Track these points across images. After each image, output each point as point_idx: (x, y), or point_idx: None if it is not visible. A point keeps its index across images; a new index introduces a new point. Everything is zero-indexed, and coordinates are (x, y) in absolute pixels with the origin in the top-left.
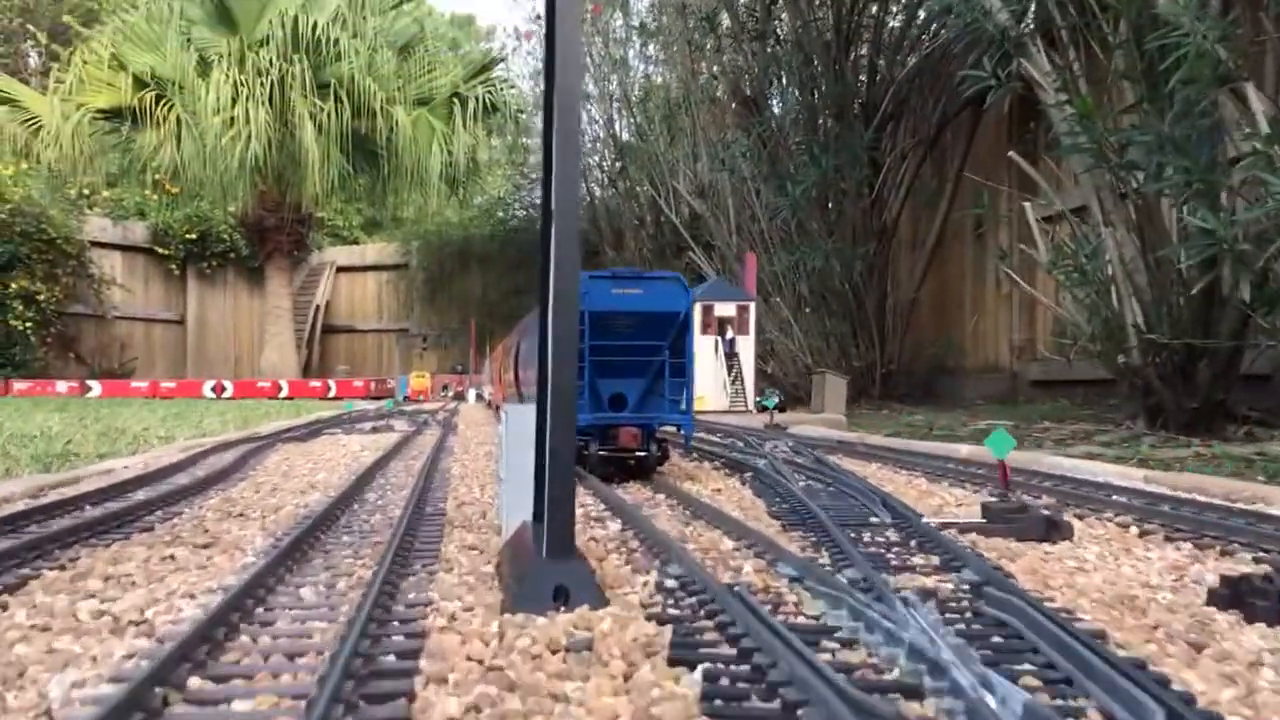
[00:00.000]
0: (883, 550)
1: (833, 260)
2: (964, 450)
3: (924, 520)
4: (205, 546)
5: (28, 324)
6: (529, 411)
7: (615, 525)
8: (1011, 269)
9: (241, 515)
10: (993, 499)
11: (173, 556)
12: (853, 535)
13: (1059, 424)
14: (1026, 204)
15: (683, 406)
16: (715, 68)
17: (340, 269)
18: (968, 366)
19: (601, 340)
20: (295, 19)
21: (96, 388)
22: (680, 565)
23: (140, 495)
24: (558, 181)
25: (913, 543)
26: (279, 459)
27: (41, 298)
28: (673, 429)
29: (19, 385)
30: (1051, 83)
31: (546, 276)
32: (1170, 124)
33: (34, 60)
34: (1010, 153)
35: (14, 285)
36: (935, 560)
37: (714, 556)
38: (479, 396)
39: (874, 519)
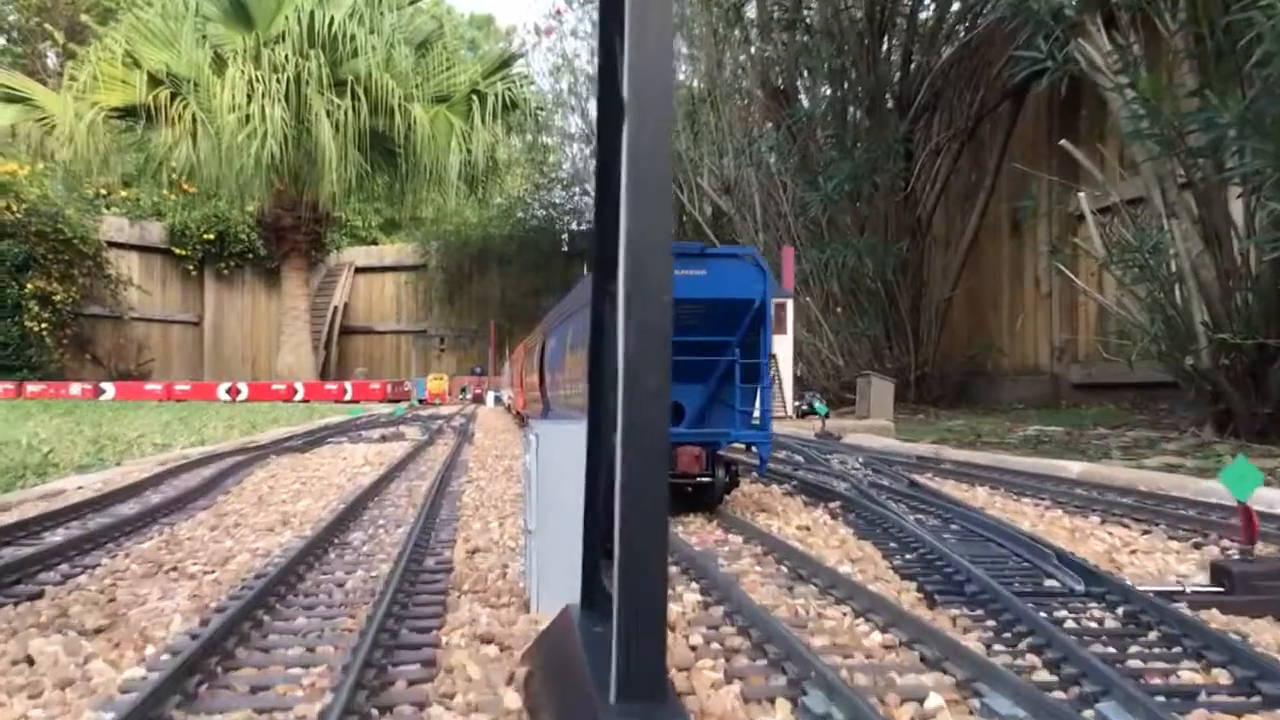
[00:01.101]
0: (1111, 646)
1: (865, 258)
2: (1074, 469)
3: (1125, 583)
4: (96, 633)
5: (43, 325)
6: (571, 434)
7: (692, 595)
8: (1064, 264)
9: (174, 570)
10: (1228, 554)
11: (29, 659)
12: (1042, 614)
13: (1114, 430)
14: (1081, 195)
15: (756, 419)
16: (743, 58)
17: (358, 270)
18: (1005, 369)
19: None
20: (311, 15)
21: (110, 390)
22: (824, 690)
23: (58, 536)
24: (633, 59)
25: (1152, 634)
26: (264, 476)
27: (57, 298)
28: (742, 447)
29: (32, 387)
30: (1112, 65)
31: (607, 226)
32: (1248, 106)
33: (52, 60)
34: (1062, 141)
35: (30, 286)
36: (1223, 675)
37: (862, 664)
38: (498, 400)
39: (1050, 581)
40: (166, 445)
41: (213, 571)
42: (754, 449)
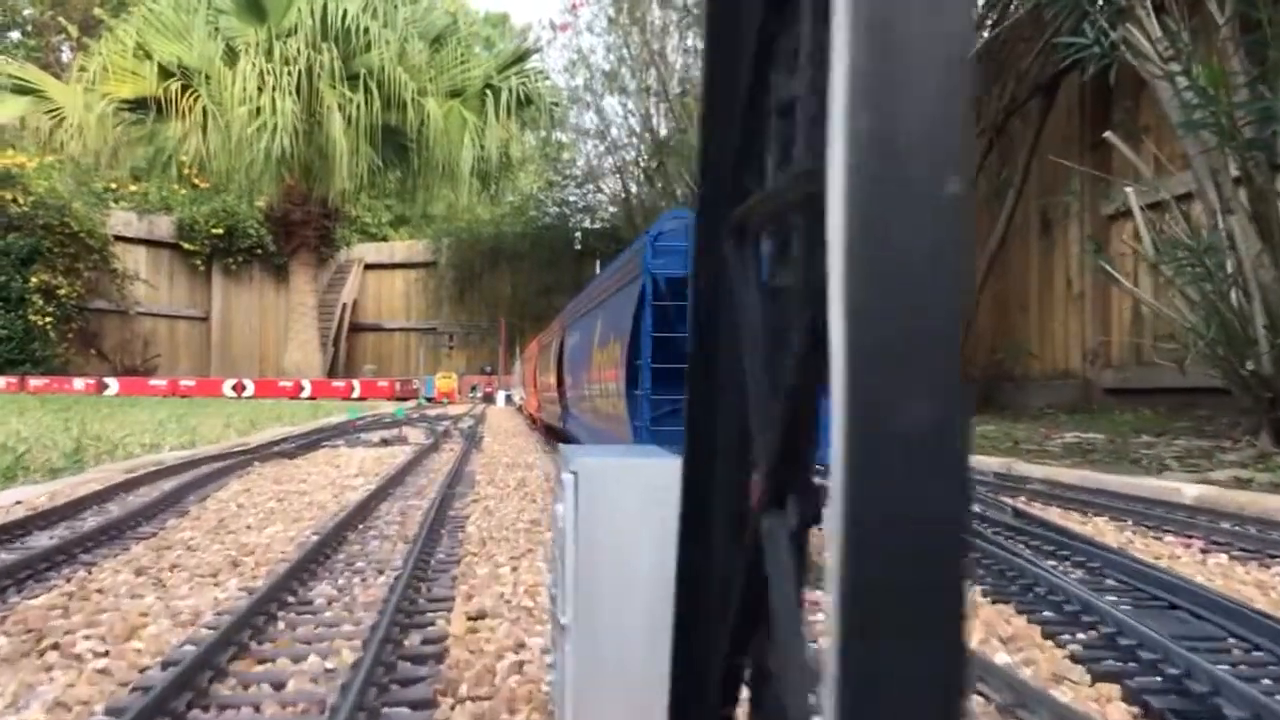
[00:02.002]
0: None
1: None
2: (1189, 492)
3: None
4: None
5: (48, 319)
6: (634, 472)
7: None
8: (1107, 263)
9: (55, 649)
10: None
11: None
12: None
13: (1159, 439)
14: (1129, 190)
15: None
16: None
17: (368, 266)
18: (1034, 373)
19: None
20: (324, 7)
21: (114, 385)
22: None
23: None
24: None
25: None
26: (237, 489)
27: (62, 292)
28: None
29: (35, 382)
30: (1163, 51)
31: (756, 76)
32: None
33: (66, 55)
34: (1107, 134)
35: (34, 279)
36: None
37: None
38: (509, 399)
39: None
40: (154, 446)
41: (106, 653)
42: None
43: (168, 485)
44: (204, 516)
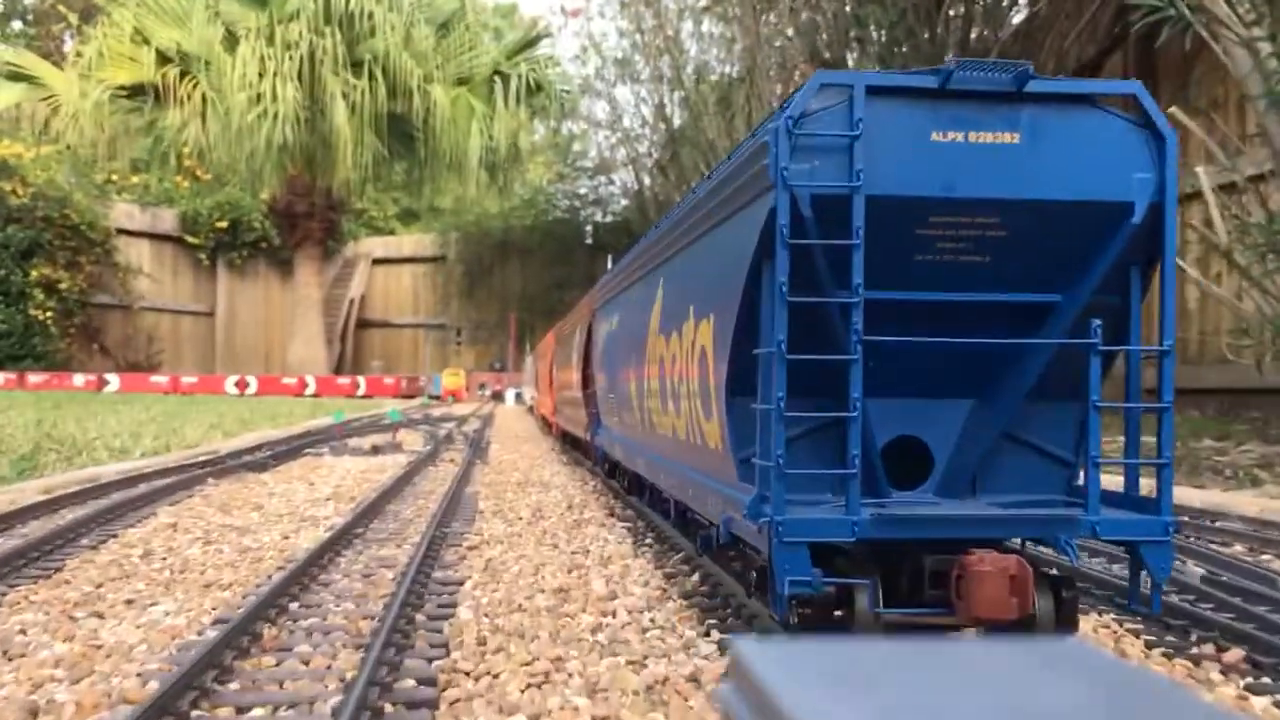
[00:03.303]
0: None
1: None
2: None
3: None
4: None
5: (49, 313)
6: None
7: None
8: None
9: None
10: None
11: None
12: None
13: (1220, 443)
14: (1200, 171)
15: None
16: (791, 30)
17: (376, 261)
18: None
19: (894, 289)
20: None
21: (114, 382)
22: None
23: None
24: None
25: None
26: (160, 525)
27: (64, 286)
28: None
29: (34, 378)
30: (1244, 15)
31: None
32: None
33: (67, 45)
34: (1172, 109)
35: (35, 273)
36: None
37: None
38: (518, 397)
39: None
40: (124, 451)
41: None
42: (1126, 548)
43: (74, 514)
44: (76, 579)
